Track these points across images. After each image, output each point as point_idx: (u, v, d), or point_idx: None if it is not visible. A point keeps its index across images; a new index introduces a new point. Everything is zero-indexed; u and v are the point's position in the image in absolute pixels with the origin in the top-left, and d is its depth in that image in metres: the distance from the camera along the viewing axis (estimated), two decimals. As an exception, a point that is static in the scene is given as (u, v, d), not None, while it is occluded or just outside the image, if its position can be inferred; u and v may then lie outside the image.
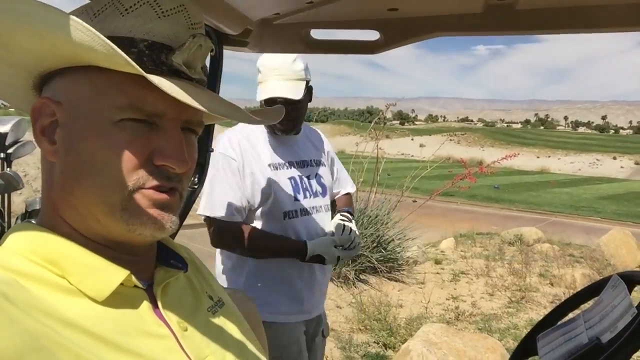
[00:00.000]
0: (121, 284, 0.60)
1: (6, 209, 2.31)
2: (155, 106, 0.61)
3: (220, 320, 0.75)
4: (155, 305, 0.65)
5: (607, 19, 1.06)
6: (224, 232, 1.81)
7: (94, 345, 0.54)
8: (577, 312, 1.16)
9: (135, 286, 0.63)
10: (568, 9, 1.06)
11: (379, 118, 7.60)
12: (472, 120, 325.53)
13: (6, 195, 2.26)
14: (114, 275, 0.60)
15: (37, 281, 0.56)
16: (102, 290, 0.59)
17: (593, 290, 1.16)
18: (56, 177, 0.62)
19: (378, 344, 4.57)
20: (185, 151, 0.63)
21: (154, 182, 0.61)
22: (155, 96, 0.60)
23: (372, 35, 1.28)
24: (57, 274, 0.58)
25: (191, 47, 0.61)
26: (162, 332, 0.62)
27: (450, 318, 5.41)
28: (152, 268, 0.70)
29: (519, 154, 8.32)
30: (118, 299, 0.60)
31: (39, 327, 0.50)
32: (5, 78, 0.65)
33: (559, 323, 1.17)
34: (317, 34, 1.34)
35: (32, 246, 0.59)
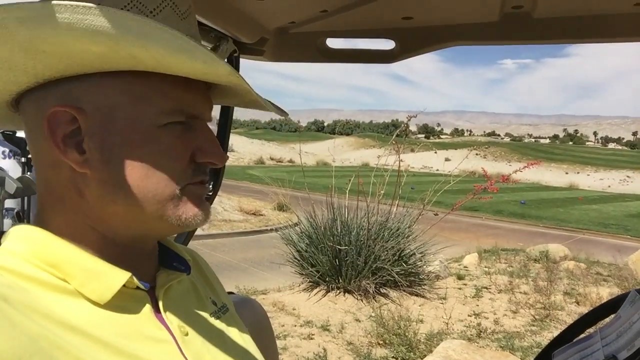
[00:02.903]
0: (123, 285, 0.60)
1: (25, 211, 2.36)
2: (195, 108, 0.64)
3: (222, 327, 0.74)
4: (156, 308, 0.64)
5: (627, 28, 1.04)
6: None
7: (93, 348, 0.54)
8: (594, 328, 1.12)
9: (138, 288, 0.62)
10: (586, 17, 1.05)
11: (401, 130, 7.57)
12: (499, 135, 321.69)
13: (25, 198, 2.31)
14: (115, 277, 0.60)
15: (37, 283, 0.56)
16: (104, 293, 0.58)
17: (611, 306, 1.13)
18: (89, 187, 0.60)
19: (397, 359, 4.51)
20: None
21: (199, 178, 0.65)
22: (195, 98, 0.63)
23: (388, 44, 1.28)
24: (58, 277, 0.58)
25: (223, 51, 0.63)
26: (163, 336, 0.62)
27: (471, 335, 5.31)
28: (154, 271, 0.70)
29: (540, 162, 8.18)
30: (120, 301, 0.59)
31: (38, 329, 0.50)
32: None
33: (576, 340, 1.13)
34: (333, 43, 1.34)
35: (32, 249, 0.59)
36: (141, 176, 0.60)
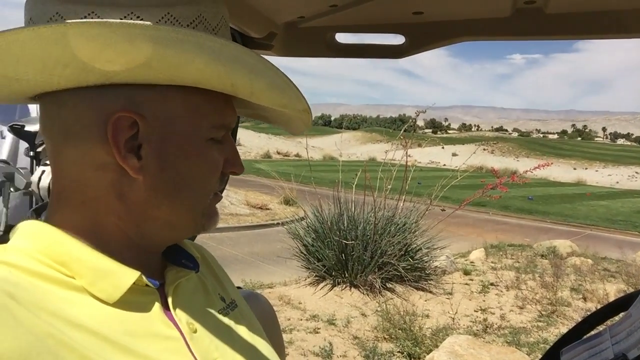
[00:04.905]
0: (133, 283, 0.60)
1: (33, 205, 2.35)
2: (231, 122, 0.67)
3: (231, 323, 0.74)
4: (166, 306, 0.64)
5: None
6: None
7: (101, 347, 0.53)
8: (603, 326, 1.11)
9: (147, 286, 0.62)
10: (599, 13, 1.03)
11: (409, 125, 7.54)
12: (506, 130, 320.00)
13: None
14: (125, 277, 0.59)
15: (45, 280, 0.55)
16: (113, 293, 0.58)
17: (621, 304, 1.12)
18: (136, 191, 0.60)
19: (402, 353, 4.52)
20: None
21: (221, 187, 0.70)
22: (233, 114, 0.67)
23: (397, 39, 1.27)
24: (66, 275, 0.57)
25: None
26: (171, 334, 0.62)
27: (477, 330, 5.31)
28: (161, 267, 0.70)
29: (552, 163, 8.12)
30: (129, 300, 0.59)
31: (45, 327, 0.50)
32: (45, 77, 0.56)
33: (585, 337, 1.13)
34: (342, 38, 1.33)
35: (40, 246, 0.59)
36: (188, 185, 0.63)
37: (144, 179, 0.60)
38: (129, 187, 0.60)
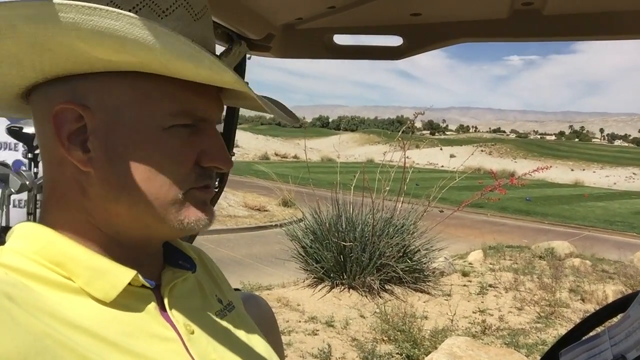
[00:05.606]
0: (129, 284, 0.60)
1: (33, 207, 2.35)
2: (204, 111, 0.63)
3: (228, 324, 0.74)
4: (162, 307, 0.64)
5: (637, 26, 1.03)
6: None
7: (99, 347, 0.53)
8: (602, 327, 1.11)
9: (143, 286, 0.62)
10: (596, 14, 1.03)
11: (407, 127, 7.55)
12: (504, 132, 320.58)
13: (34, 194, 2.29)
14: (121, 276, 0.59)
15: (42, 282, 0.55)
16: (109, 292, 0.58)
17: (619, 305, 1.12)
18: (93, 186, 0.59)
19: (401, 355, 4.51)
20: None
21: (203, 182, 0.63)
22: (205, 102, 0.62)
23: (395, 40, 1.27)
24: (63, 275, 0.57)
25: (236, 53, 0.61)
26: (169, 335, 0.62)
27: (476, 332, 5.31)
28: (159, 269, 0.69)
29: (551, 166, 8.14)
30: (125, 300, 0.59)
31: (43, 328, 0.49)
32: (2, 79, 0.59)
33: (584, 339, 1.13)
34: (340, 39, 1.33)
35: (36, 247, 0.59)
36: (144, 178, 0.59)
37: (95, 172, 0.58)
38: (87, 182, 0.59)
